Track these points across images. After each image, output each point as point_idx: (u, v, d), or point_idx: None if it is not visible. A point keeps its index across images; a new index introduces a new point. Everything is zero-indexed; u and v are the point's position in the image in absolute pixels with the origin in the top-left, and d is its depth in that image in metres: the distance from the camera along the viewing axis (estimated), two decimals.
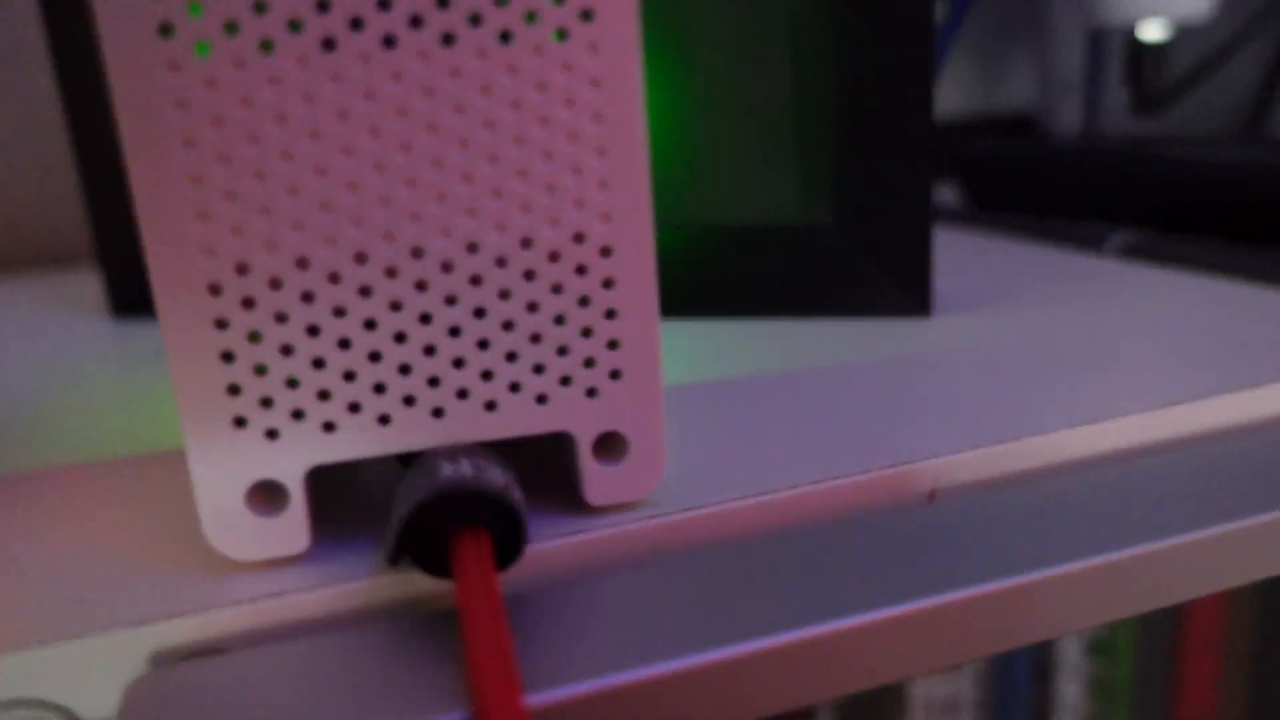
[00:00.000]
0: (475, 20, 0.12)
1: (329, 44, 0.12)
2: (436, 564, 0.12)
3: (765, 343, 0.23)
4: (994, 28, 0.55)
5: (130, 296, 0.29)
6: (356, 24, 0.12)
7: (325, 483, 0.15)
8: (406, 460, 0.14)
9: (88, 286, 0.36)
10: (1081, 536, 0.14)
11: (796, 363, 0.21)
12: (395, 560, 0.12)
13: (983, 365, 0.20)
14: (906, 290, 0.25)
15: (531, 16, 0.12)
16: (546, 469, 0.15)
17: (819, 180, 0.25)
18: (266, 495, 0.13)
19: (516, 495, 0.13)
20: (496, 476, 0.13)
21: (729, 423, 0.18)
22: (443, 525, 0.12)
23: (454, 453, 0.13)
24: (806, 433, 0.17)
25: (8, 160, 0.41)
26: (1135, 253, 0.31)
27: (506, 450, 0.14)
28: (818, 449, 0.16)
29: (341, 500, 0.15)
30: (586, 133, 0.13)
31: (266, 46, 0.11)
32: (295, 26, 0.11)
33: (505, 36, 0.12)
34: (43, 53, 0.40)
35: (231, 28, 0.11)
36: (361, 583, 0.13)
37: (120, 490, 0.16)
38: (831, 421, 0.17)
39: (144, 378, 0.23)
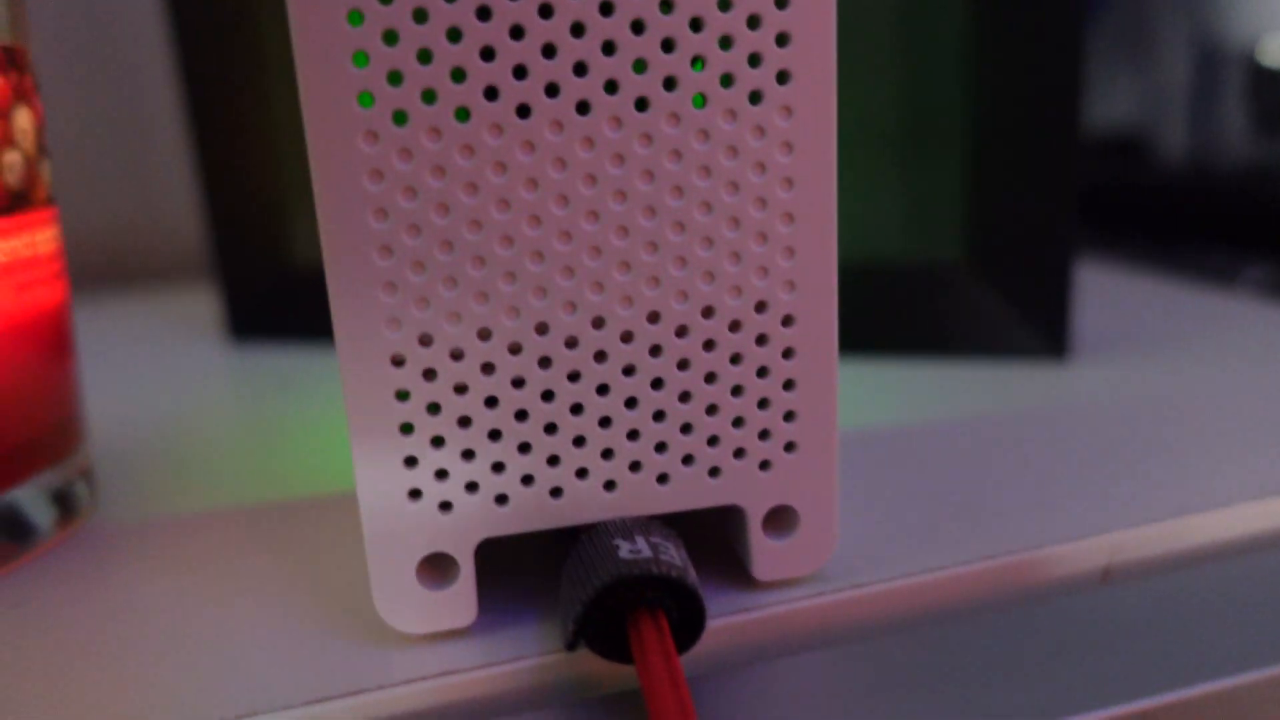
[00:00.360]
0: (670, 84, 0.11)
1: (523, 111, 0.11)
2: (609, 644, 0.12)
3: (893, 387, 0.22)
4: (1090, 41, 0.53)
5: (249, 320, 0.30)
6: (552, 90, 0.11)
7: (484, 552, 0.14)
8: (563, 530, 0.13)
9: (202, 306, 0.37)
10: None
11: (936, 412, 0.20)
12: (573, 646, 0.12)
13: (1140, 421, 0.19)
14: (1042, 330, 0.24)
15: (727, 79, 0.11)
16: (706, 538, 0.15)
17: (947, 209, 0.24)
18: (436, 568, 0.13)
19: (693, 577, 0.12)
20: (674, 557, 0.12)
21: (883, 482, 0.17)
22: (618, 605, 0.12)
23: (626, 529, 0.12)
24: (965, 496, 0.16)
25: (120, 176, 0.42)
26: (1275, 289, 0.29)
27: (669, 519, 0.14)
28: (982, 517, 0.15)
29: (495, 567, 0.15)
30: (776, 198, 0.12)
31: (462, 115, 0.11)
32: (492, 94, 0.11)
33: (699, 100, 0.11)
34: (157, 71, 0.41)
35: (430, 96, 0.11)
36: (531, 661, 0.12)
37: (269, 542, 0.16)
38: (991, 485, 0.17)
39: (274, 411, 0.23)
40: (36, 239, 0.16)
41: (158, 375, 0.27)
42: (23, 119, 0.15)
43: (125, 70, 0.41)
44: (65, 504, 0.16)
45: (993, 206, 0.24)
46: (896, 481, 0.17)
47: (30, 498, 0.16)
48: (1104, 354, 0.24)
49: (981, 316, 0.24)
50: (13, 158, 0.15)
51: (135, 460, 0.20)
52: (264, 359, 0.28)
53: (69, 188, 0.39)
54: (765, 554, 0.13)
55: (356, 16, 0.11)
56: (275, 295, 0.29)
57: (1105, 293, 0.30)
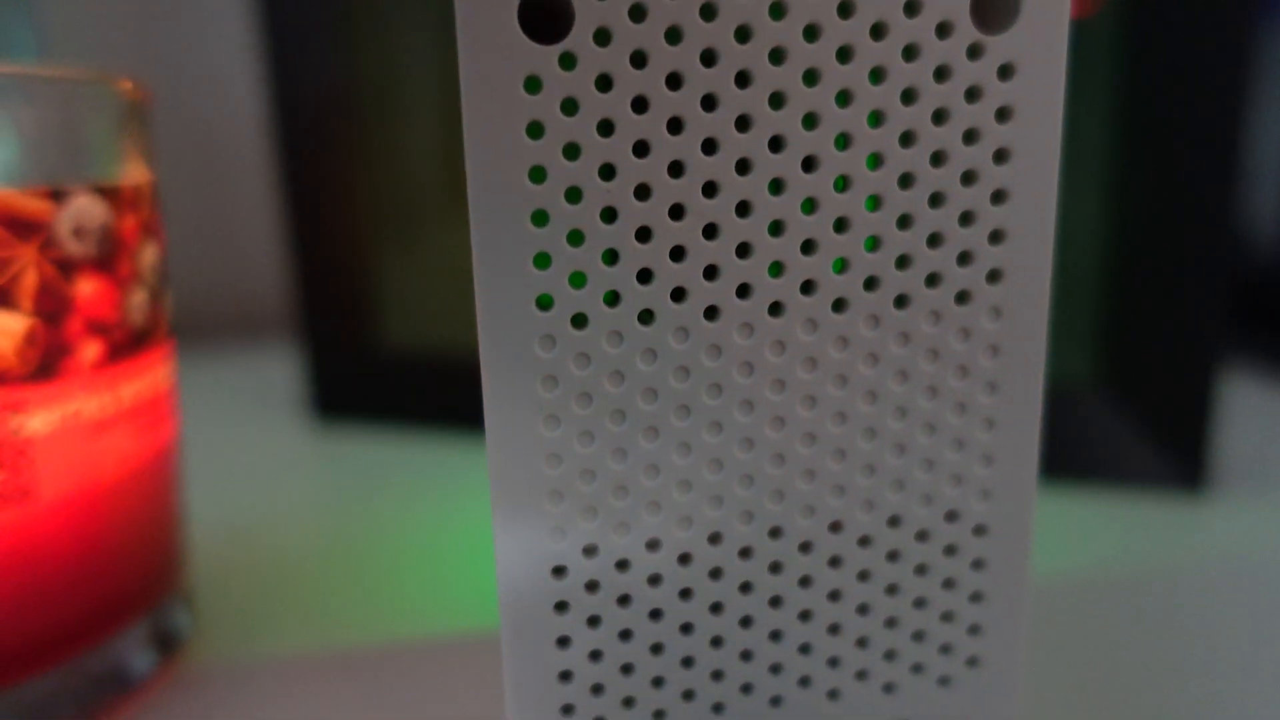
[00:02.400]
0: (871, 285, 0.10)
1: (711, 313, 0.10)
2: None
3: None
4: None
5: (335, 400, 0.29)
6: (744, 291, 0.10)
7: None
8: None
9: (283, 372, 0.36)
10: None
11: (1053, 558, 0.19)
12: None
13: None
14: (1176, 457, 0.22)
15: (933, 279, 0.10)
16: None
17: (1078, 322, 0.23)
18: None
19: None
20: None
21: (1044, 656, 0.16)
22: None
23: None
24: (1140, 685, 0.15)
25: (203, 231, 0.42)
26: None
27: None
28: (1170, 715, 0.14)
29: None
30: (978, 404, 0.11)
31: (646, 317, 0.10)
32: (679, 296, 0.10)
33: (901, 301, 0.10)
34: (247, 134, 0.41)
35: (612, 298, 0.10)
36: None
37: (378, 699, 0.15)
38: (1167, 673, 0.15)
39: (370, 518, 0.22)
40: (158, 377, 0.15)
41: (244, 463, 0.26)
42: (149, 255, 0.15)
43: (214, 131, 0.41)
44: (167, 643, 0.16)
45: (1128, 318, 0.22)
46: (1059, 656, 0.16)
47: (132, 645, 0.15)
48: (1249, 485, 0.22)
49: (1109, 439, 0.23)
50: (139, 297, 0.14)
51: (229, 573, 0.20)
52: (351, 445, 0.27)
53: None
54: None
55: (541, 216, 0.10)
56: (362, 376, 0.29)
57: (1255, 411, 0.28)
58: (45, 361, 0.13)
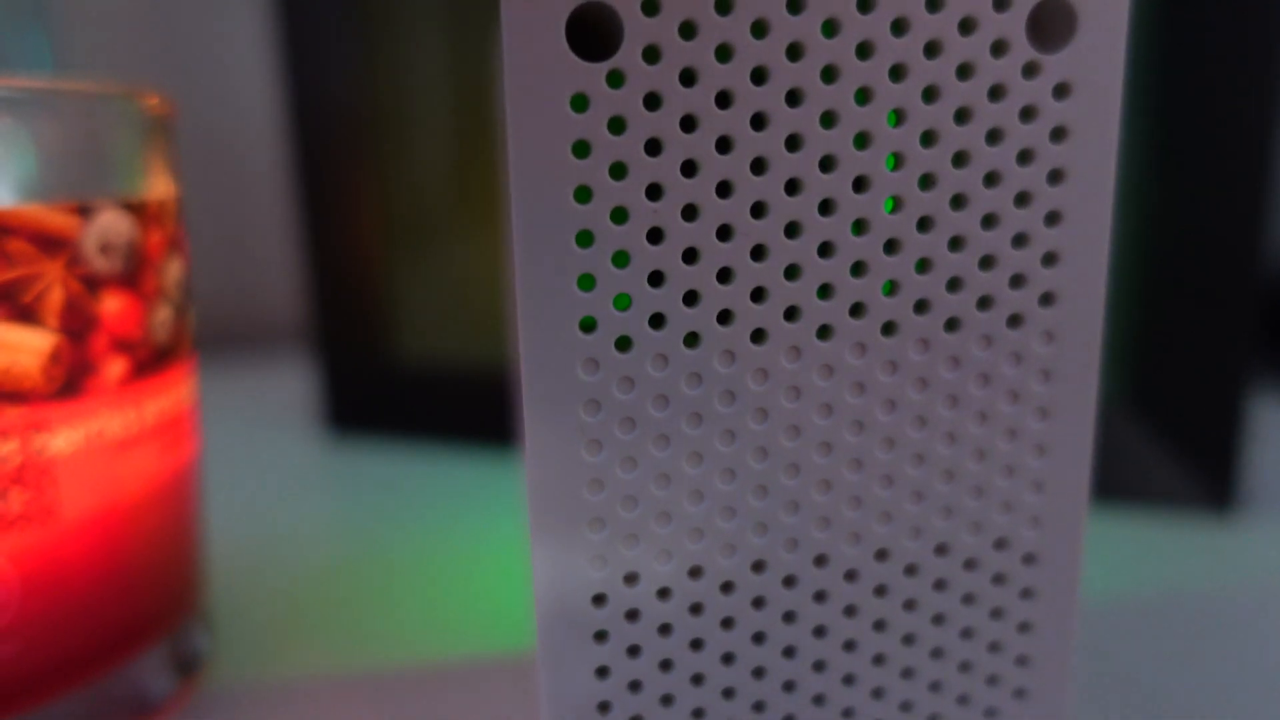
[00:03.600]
0: (921, 308, 0.10)
1: (758, 336, 0.10)
2: None
3: None
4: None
5: (349, 414, 0.29)
6: (792, 313, 0.10)
7: None
8: None
9: (297, 384, 0.36)
10: None
11: (1096, 579, 0.19)
12: None
13: None
14: (1205, 476, 0.22)
15: (985, 302, 0.10)
16: None
17: (1106, 340, 0.23)
18: None
19: None
20: None
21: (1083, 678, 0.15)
22: None
23: None
24: (1169, 707, 0.14)
25: (218, 242, 0.42)
26: None
27: None
28: None
29: None
30: (1028, 429, 0.11)
31: (691, 340, 0.10)
32: (725, 318, 0.10)
33: (952, 324, 0.10)
34: (262, 141, 0.41)
35: (657, 321, 0.10)
36: None
37: None
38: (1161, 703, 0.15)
39: (388, 533, 0.22)
40: (180, 395, 0.15)
41: (259, 477, 0.26)
42: (174, 270, 0.15)
43: (230, 145, 0.41)
44: (186, 665, 0.15)
45: (1157, 338, 0.22)
46: (1104, 682, 0.15)
47: (152, 667, 0.15)
48: (1277, 506, 0.22)
49: (1138, 459, 0.23)
50: (164, 314, 0.14)
51: (246, 591, 0.19)
52: (366, 458, 0.27)
53: None
54: None
55: (586, 237, 0.09)
56: (377, 390, 0.29)
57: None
58: (70, 379, 0.13)
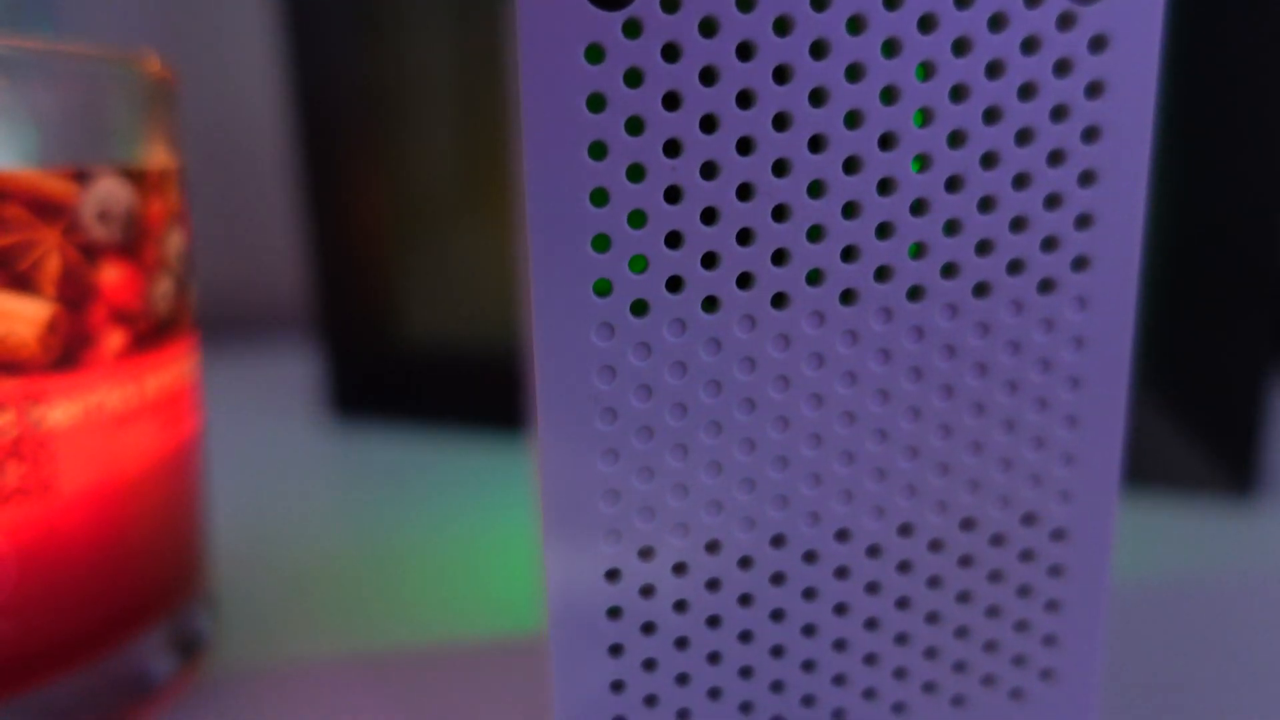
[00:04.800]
0: (949, 271, 0.10)
1: (779, 300, 0.10)
2: None
3: None
4: None
5: (354, 397, 0.28)
6: (815, 277, 0.10)
7: None
8: None
9: (301, 369, 0.36)
10: None
11: (1119, 563, 0.18)
12: None
13: None
14: (1227, 461, 0.22)
15: (1015, 266, 0.10)
16: None
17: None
18: None
19: None
20: None
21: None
22: None
23: None
24: (1190, 690, 0.14)
25: (221, 225, 0.41)
26: None
27: None
28: None
29: None
30: (1059, 399, 0.10)
31: (710, 304, 0.09)
32: (746, 281, 0.09)
33: (981, 289, 0.10)
34: (266, 124, 0.41)
35: (676, 284, 0.09)
36: None
37: (405, 703, 0.14)
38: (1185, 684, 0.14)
39: (391, 515, 0.22)
40: (181, 369, 0.14)
41: (263, 460, 0.26)
42: (175, 242, 0.14)
43: (234, 126, 0.40)
44: (188, 647, 0.15)
45: (1178, 326, 0.22)
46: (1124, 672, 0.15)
47: (153, 647, 0.14)
48: None
49: (1160, 445, 0.22)
50: (164, 286, 0.14)
51: (249, 574, 0.19)
52: (370, 442, 0.27)
53: None
54: None
55: (601, 196, 0.09)
56: (381, 373, 0.28)
57: None
58: (67, 350, 0.12)
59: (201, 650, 0.15)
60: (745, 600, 0.10)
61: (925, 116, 0.09)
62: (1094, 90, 0.09)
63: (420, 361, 0.28)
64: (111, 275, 0.13)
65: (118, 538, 0.13)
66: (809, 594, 0.10)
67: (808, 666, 0.11)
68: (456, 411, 0.28)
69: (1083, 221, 0.10)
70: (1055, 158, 0.10)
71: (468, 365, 0.27)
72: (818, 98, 0.09)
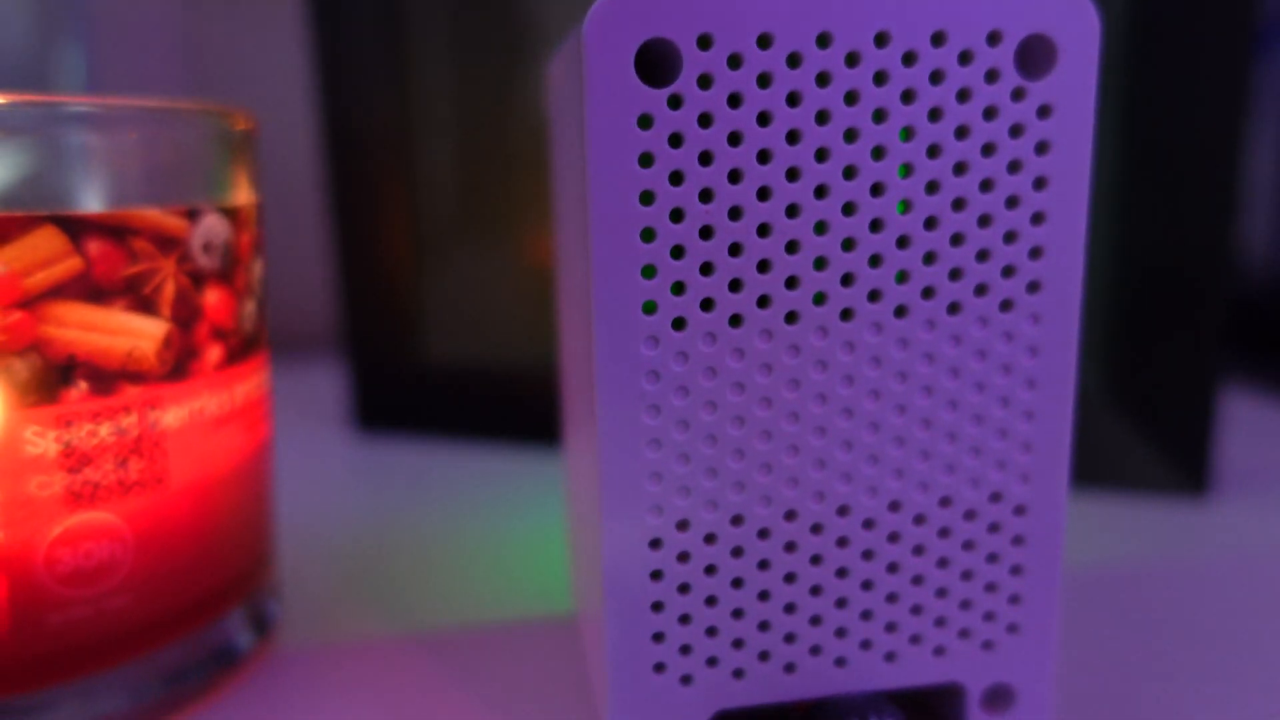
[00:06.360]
0: (928, 293, 0.12)
1: (791, 317, 0.12)
2: None
3: None
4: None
5: (380, 412, 0.30)
6: (820, 298, 0.12)
7: None
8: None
9: (327, 385, 0.38)
10: None
11: (1077, 559, 0.21)
12: None
13: None
14: (1181, 463, 0.24)
15: (981, 289, 0.12)
16: (922, 714, 0.15)
17: (1082, 332, 0.25)
18: None
19: None
20: None
21: (1072, 640, 0.17)
22: None
23: (858, 707, 0.13)
24: (1143, 680, 0.16)
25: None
26: None
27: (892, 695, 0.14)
28: (1183, 697, 0.16)
29: None
30: (1018, 398, 0.12)
31: (736, 321, 0.12)
32: (764, 302, 0.12)
33: (954, 308, 0.12)
34: (297, 151, 0.43)
35: (708, 304, 0.12)
36: None
37: (464, 680, 0.17)
38: (1182, 660, 0.17)
39: (423, 521, 0.24)
40: (259, 380, 0.17)
41: (292, 474, 0.28)
42: (257, 269, 0.16)
43: (263, 148, 0.42)
44: (262, 625, 0.17)
45: (1134, 334, 0.24)
46: (1082, 637, 0.17)
47: (236, 625, 0.16)
48: (1247, 491, 0.24)
49: (1115, 446, 0.25)
50: (250, 307, 0.16)
51: (299, 565, 0.21)
52: (396, 456, 0.29)
53: None
54: None
55: (649, 234, 0.11)
56: (407, 389, 0.30)
57: (1252, 423, 0.30)
58: (179, 363, 0.14)
59: (273, 629, 0.17)
60: (763, 565, 0.12)
61: (907, 170, 0.12)
62: (1041, 148, 0.12)
63: (441, 377, 0.30)
64: (213, 298, 0.15)
65: (213, 526, 0.15)
66: (815, 559, 0.13)
67: (815, 621, 0.13)
68: (474, 424, 0.30)
69: (1035, 253, 0.12)
70: (1011, 202, 0.12)
71: (485, 381, 0.30)
72: (821, 155, 0.11)
